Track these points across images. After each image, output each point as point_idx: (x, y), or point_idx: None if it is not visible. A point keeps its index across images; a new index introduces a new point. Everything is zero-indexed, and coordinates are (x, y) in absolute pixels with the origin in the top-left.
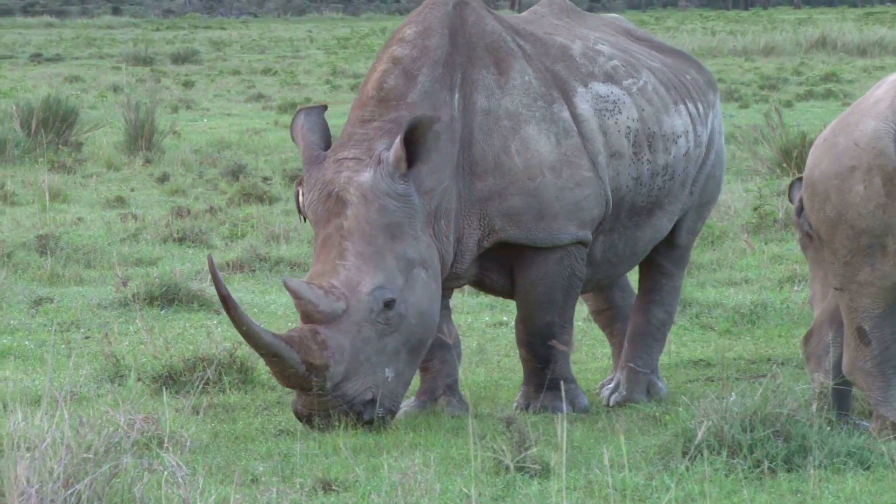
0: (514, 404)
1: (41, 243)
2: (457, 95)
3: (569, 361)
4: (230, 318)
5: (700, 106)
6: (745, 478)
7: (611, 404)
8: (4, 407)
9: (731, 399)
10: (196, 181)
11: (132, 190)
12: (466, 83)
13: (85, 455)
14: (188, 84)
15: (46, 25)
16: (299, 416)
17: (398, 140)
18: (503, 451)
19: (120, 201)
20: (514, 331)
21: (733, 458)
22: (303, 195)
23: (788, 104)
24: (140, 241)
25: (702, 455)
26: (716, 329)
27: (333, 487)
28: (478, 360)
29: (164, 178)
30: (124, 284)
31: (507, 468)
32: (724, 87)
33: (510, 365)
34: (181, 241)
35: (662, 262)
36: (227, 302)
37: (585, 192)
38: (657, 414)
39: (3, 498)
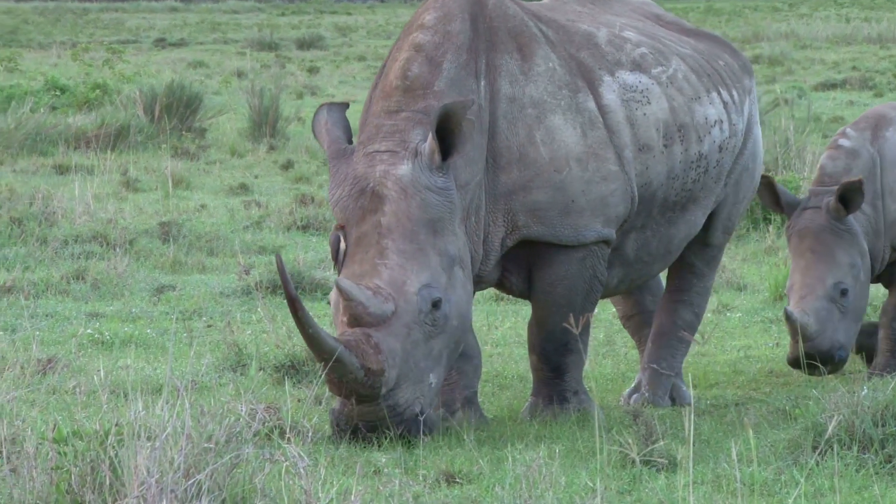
0: (521, 416)
1: (164, 230)
2: (482, 83)
3: (581, 371)
4: (295, 321)
5: (735, 93)
6: (876, 473)
7: (631, 404)
8: (125, 396)
9: (863, 393)
10: (320, 168)
11: (256, 177)
12: (491, 69)
13: (206, 445)
14: (313, 70)
15: (171, 10)
16: (340, 428)
17: (431, 132)
18: (629, 444)
19: (243, 188)
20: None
21: (864, 453)
22: (332, 197)
23: None
24: (263, 229)
25: (832, 450)
26: None
27: (457, 480)
28: (605, 351)
29: (288, 165)
30: (247, 272)
31: (634, 462)
32: (859, 75)
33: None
34: (305, 228)
35: (694, 260)
36: (294, 304)
37: (611, 187)
38: (787, 408)
39: (122, 487)
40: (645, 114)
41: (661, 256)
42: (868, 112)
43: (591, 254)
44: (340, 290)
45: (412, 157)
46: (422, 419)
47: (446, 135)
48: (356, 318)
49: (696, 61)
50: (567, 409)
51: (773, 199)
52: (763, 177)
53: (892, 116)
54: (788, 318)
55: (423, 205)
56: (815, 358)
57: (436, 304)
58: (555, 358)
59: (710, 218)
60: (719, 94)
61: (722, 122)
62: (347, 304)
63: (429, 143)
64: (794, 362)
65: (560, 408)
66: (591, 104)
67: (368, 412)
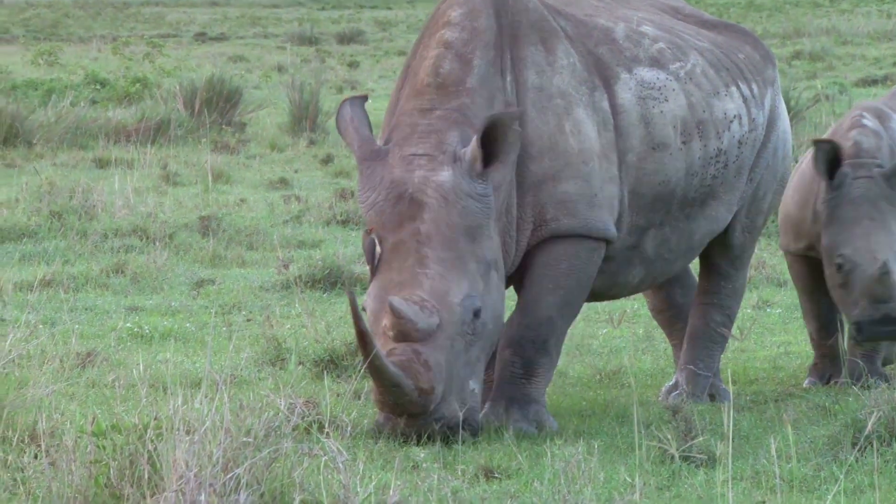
0: (483, 418)
1: (203, 224)
2: (508, 77)
3: (547, 382)
4: (363, 355)
5: (755, 86)
6: None
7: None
8: (164, 389)
9: None
10: None
11: (296, 171)
12: (516, 63)
13: (244, 439)
14: (353, 64)
15: (211, 4)
16: (382, 432)
17: (475, 140)
18: (668, 439)
19: (283, 183)
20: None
21: None
22: (365, 201)
23: None
24: (303, 224)
25: (872, 446)
26: None
27: (495, 475)
28: (644, 347)
29: (328, 160)
30: (286, 267)
31: (673, 457)
32: None
33: None
34: (344, 223)
35: (719, 262)
36: (364, 338)
37: (615, 190)
38: (826, 404)
39: (161, 481)
40: (662, 112)
41: (683, 253)
42: (863, 104)
43: (598, 248)
44: (392, 309)
45: (451, 162)
46: (461, 423)
47: (490, 143)
48: (404, 334)
49: (714, 55)
50: (525, 417)
51: (830, 165)
52: (827, 141)
53: (887, 112)
54: (888, 274)
55: (463, 212)
56: (892, 322)
57: (476, 314)
58: (531, 354)
59: (731, 219)
60: (738, 88)
61: (741, 116)
62: (396, 321)
63: (471, 151)
64: (872, 325)
65: (520, 413)
66: (605, 104)
67: (416, 426)
